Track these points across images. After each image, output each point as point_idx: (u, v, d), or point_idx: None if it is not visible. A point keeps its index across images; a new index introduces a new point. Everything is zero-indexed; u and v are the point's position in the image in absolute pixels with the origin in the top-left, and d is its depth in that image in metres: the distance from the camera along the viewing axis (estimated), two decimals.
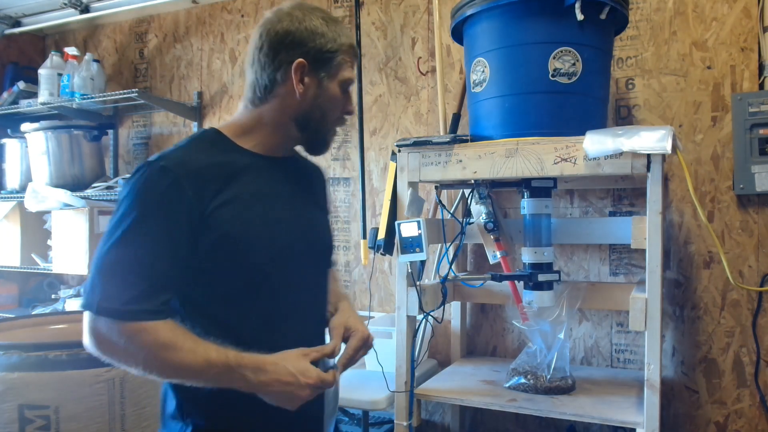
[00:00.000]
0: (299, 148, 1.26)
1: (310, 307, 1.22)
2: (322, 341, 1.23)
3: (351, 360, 1.18)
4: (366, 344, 1.21)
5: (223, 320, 1.07)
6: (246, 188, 1.11)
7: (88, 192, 2.74)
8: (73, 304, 2.79)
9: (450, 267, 1.78)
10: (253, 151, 1.17)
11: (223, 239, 1.05)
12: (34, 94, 2.93)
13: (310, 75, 1.14)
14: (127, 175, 2.70)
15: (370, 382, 1.89)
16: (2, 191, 3.05)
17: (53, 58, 2.88)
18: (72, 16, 2.95)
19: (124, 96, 2.68)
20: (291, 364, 1.04)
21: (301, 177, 1.29)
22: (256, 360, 1.03)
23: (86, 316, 0.99)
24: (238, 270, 1.08)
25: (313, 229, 1.25)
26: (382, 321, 2.21)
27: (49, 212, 2.87)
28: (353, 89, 1.24)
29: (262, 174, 1.16)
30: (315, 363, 1.08)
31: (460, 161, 1.65)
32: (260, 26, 1.16)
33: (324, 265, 1.30)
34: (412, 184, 1.73)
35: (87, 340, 1.00)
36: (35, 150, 2.84)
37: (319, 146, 1.23)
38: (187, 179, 1.03)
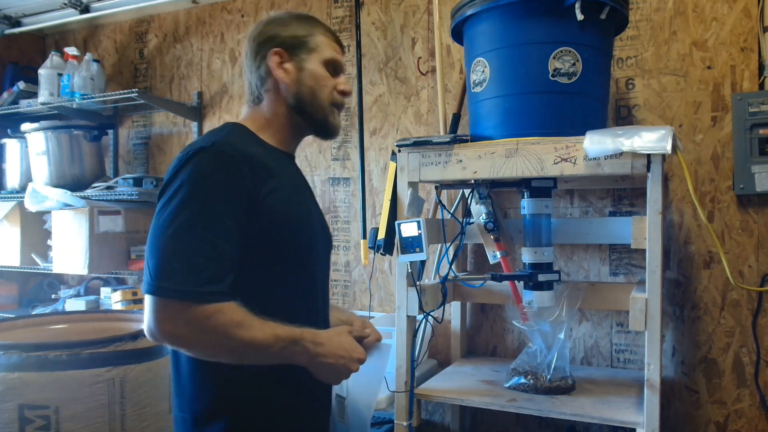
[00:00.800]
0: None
1: (326, 292, 1.31)
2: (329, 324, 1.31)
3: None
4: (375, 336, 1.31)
5: (268, 303, 1.10)
6: (284, 179, 1.17)
7: (88, 192, 2.74)
8: (74, 304, 2.79)
9: (450, 267, 1.78)
10: (271, 145, 1.23)
11: (271, 226, 1.10)
12: (34, 94, 2.93)
13: (289, 60, 1.22)
14: (128, 175, 2.71)
15: None
16: (2, 191, 3.05)
17: (53, 58, 2.88)
18: (72, 16, 2.95)
19: (124, 96, 2.68)
20: (343, 340, 1.13)
21: (304, 176, 1.36)
22: (314, 333, 1.10)
23: (151, 301, 0.99)
24: (284, 256, 1.14)
25: (324, 222, 1.34)
26: (382, 321, 2.21)
27: (49, 212, 2.86)
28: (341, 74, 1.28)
29: (288, 168, 1.25)
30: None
31: (460, 161, 1.65)
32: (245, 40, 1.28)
33: (330, 252, 1.38)
34: (412, 184, 1.73)
35: (154, 326, 0.99)
36: (35, 150, 2.84)
37: (324, 127, 1.27)
38: (245, 164, 1.08)
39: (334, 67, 1.25)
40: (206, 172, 1.04)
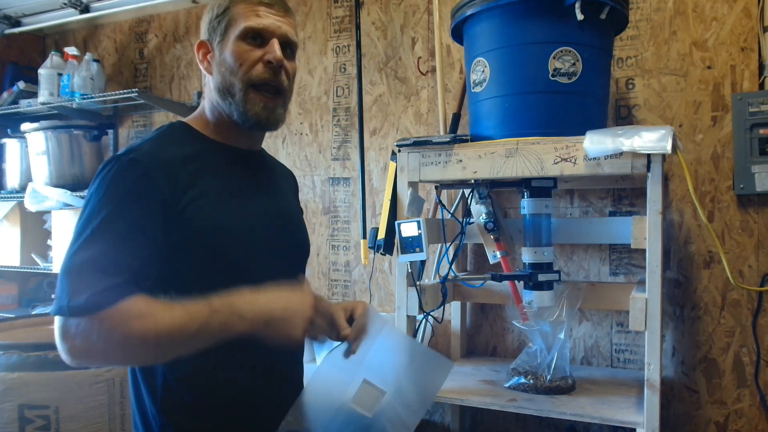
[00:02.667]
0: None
1: None
2: (297, 353, 1.23)
3: (363, 330, 1.13)
4: (366, 308, 1.18)
5: None
6: (218, 181, 1.08)
7: None
8: None
9: (450, 267, 1.78)
10: (219, 141, 1.14)
11: (198, 233, 1.02)
12: (34, 94, 2.93)
13: (211, 49, 1.14)
14: None
15: None
16: (2, 191, 3.05)
17: (53, 58, 2.88)
18: (72, 16, 2.95)
19: (124, 96, 2.68)
20: (281, 294, 1.00)
21: (270, 172, 1.26)
22: (242, 294, 0.97)
23: (56, 323, 0.91)
24: (216, 264, 1.04)
25: (287, 222, 1.22)
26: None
27: (49, 212, 2.86)
28: (275, 41, 1.11)
29: (232, 166, 1.14)
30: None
31: (460, 161, 1.65)
32: None
33: (300, 260, 1.26)
34: (412, 184, 1.73)
35: (60, 348, 0.92)
36: (35, 150, 2.84)
37: (243, 117, 1.10)
38: (158, 170, 1.00)
39: (255, 35, 1.09)
40: (113, 182, 0.98)
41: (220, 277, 1.03)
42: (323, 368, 1.19)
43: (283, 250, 1.17)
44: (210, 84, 1.13)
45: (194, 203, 1.02)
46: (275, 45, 1.09)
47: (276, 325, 0.98)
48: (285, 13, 1.14)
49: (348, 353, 1.12)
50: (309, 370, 1.27)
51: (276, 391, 1.15)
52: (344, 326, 1.10)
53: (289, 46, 1.14)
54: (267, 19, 1.10)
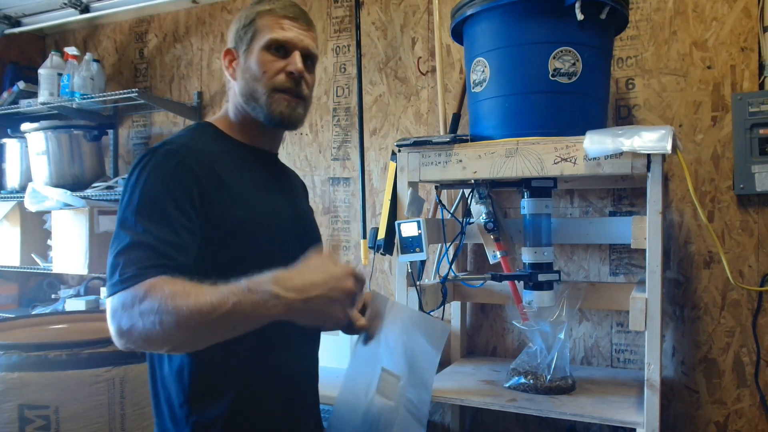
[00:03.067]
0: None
1: None
2: (317, 332, 1.26)
3: (377, 315, 1.18)
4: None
5: None
6: (246, 177, 1.15)
7: (88, 192, 2.74)
8: (74, 304, 2.79)
9: (450, 267, 1.78)
10: (243, 142, 1.21)
11: (231, 223, 1.07)
12: (34, 94, 2.93)
13: (237, 56, 1.20)
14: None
15: None
16: (2, 191, 3.05)
17: (53, 58, 2.88)
18: (72, 16, 2.95)
19: (124, 96, 2.67)
20: (316, 267, 0.98)
21: (286, 174, 1.34)
22: (274, 273, 0.95)
23: (108, 305, 0.95)
24: (245, 255, 1.08)
25: (304, 220, 1.29)
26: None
27: (49, 212, 2.86)
28: (297, 53, 1.18)
29: (256, 165, 1.20)
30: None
31: (460, 161, 1.65)
32: None
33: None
34: (412, 184, 1.73)
35: (111, 331, 0.94)
36: (35, 150, 2.84)
37: (269, 117, 1.17)
38: (194, 160, 1.06)
39: (279, 47, 1.16)
40: (152, 171, 1.03)
41: (250, 267, 1.03)
42: (351, 367, 1.23)
43: (302, 243, 1.20)
44: (235, 89, 1.21)
45: (226, 196, 1.08)
46: (297, 57, 1.17)
47: (314, 305, 0.95)
48: (308, 27, 1.21)
49: (368, 340, 1.16)
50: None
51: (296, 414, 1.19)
52: (358, 317, 1.12)
53: (309, 58, 1.21)
54: (290, 32, 1.17)
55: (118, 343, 0.94)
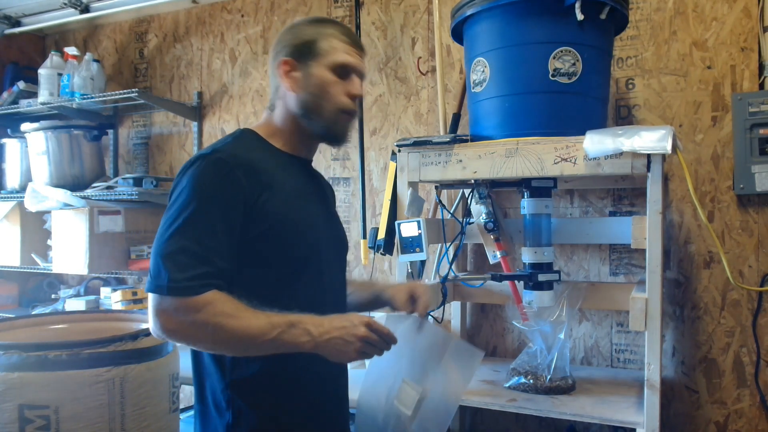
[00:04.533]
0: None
1: (338, 294, 1.34)
2: None
3: (426, 306, 1.31)
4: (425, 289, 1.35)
5: (268, 304, 1.11)
6: (287, 183, 1.21)
7: (88, 192, 2.74)
8: (74, 304, 2.79)
9: (450, 267, 1.78)
10: (282, 150, 1.27)
11: (272, 228, 1.14)
12: (34, 94, 2.93)
13: (297, 68, 1.24)
14: (128, 175, 2.71)
15: None
16: (2, 191, 3.04)
17: (53, 58, 2.88)
18: (72, 16, 2.95)
19: (124, 96, 2.68)
20: (342, 317, 1.13)
21: (319, 181, 1.40)
22: (312, 317, 1.11)
23: (152, 300, 1.06)
24: (285, 257, 1.17)
25: (336, 227, 1.39)
26: (381, 321, 2.20)
27: (49, 212, 2.86)
28: (355, 77, 1.26)
29: (295, 172, 1.27)
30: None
31: (460, 161, 1.65)
32: None
33: (345, 255, 1.42)
34: (412, 184, 1.73)
35: (153, 323, 1.06)
36: (35, 150, 2.84)
37: (330, 135, 1.27)
38: (241, 169, 1.12)
39: (344, 71, 1.24)
40: (203, 177, 1.11)
41: (286, 269, 1.18)
42: (372, 368, 1.35)
43: (333, 248, 1.32)
44: (291, 99, 1.24)
45: (268, 202, 1.15)
46: (358, 82, 1.27)
47: (333, 344, 1.10)
48: (364, 54, 1.31)
49: (417, 324, 1.30)
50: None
51: (333, 405, 1.30)
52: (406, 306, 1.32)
53: (362, 80, 1.31)
54: (355, 58, 1.26)
55: (156, 334, 1.08)
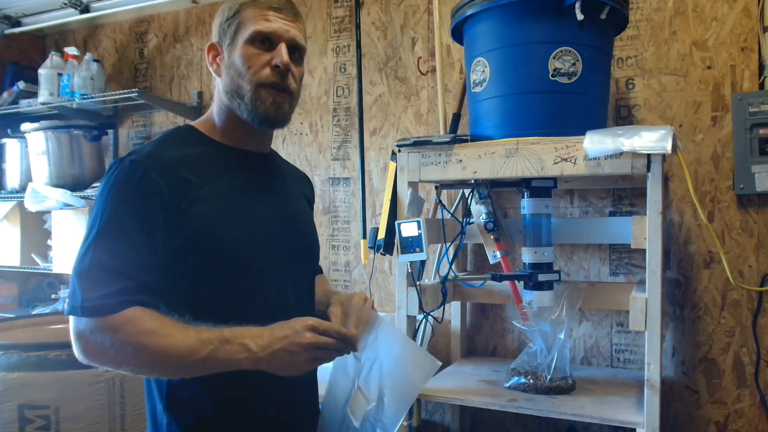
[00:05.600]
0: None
1: (296, 303, 1.18)
2: None
3: (360, 318, 1.15)
4: (366, 300, 1.20)
5: (205, 316, 1.01)
6: (221, 181, 1.10)
7: (88, 192, 2.74)
8: None
9: (450, 267, 1.78)
10: (226, 144, 1.16)
11: (199, 234, 1.04)
12: (34, 94, 2.93)
13: (221, 51, 1.14)
14: None
15: None
16: (2, 191, 3.05)
17: (53, 58, 2.88)
18: (72, 16, 2.95)
19: (124, 96, 2.68)
20: (283, 325, 1.01)
21: (278, 173, 1.27)
22: (251, 329, 0.99)
23: (71, 322, 0.96)
24: (219, 265, 1.06)
25: (294, 224, 1.22)
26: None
27: (49, 212, 2.87)
28: (282, 45, 1.12)
29: (237, 167, 1.16)
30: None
31: (460, 161, 1.65)
32: None
33: (307, 263, 1.27)
34: (412, 184, 1.73)
35: (75, 347, 0.96)
36: (35, 150, 2.84)
37: (253, 114, 1.12)
38: (158, 171, 1.02)
39: (263, 39, 1.10)
40: (115, 185, 1.01)
41: (220, 277, 1.06)
42: (333, 374, 1.24)
43: (288, 250, 1.18)
44: (219, 86, 1.16)
45: (195, 203, 1.04)
46: (283, 49, 1.11)
47: (278, 358, 0.98)
48: (294, 17, 1.15)
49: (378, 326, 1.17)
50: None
51: (287, 415, 1.16)
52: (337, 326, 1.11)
53: (297, 51, 1.15)
54: (275, 23, 1.11)
55: (81, 360, 0.97)
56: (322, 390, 1.31)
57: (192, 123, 1.20)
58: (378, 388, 1.20)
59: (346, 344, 1.04)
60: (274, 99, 1.12)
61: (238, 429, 1.09)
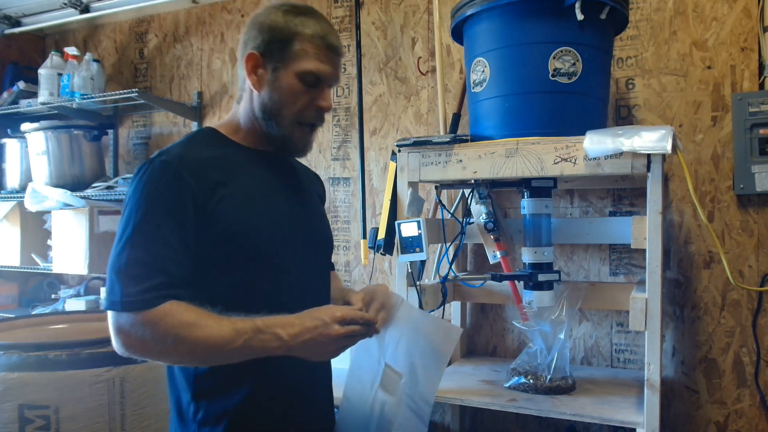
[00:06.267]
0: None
1: (313, 297, 1.22)
2: None
3: (384, 304, 1.19)
4: (388, 289, 1.25)
5: (234, 307, 1.06)
6: (245, 181, 1.15)
7: (88, 192, 2.74)
8: (74, 304, 2.79)
9: (450, 267, 1.78)
10: (246, 146, 1.21)
11: (227, 231, 1.09)
12: (34, 94, 2.93)
13: (264, 66, 1.15)
14: (128, 175, 2.72)
15: None
16: (2, 191, 3.05)
17: (53, 58, 2.88)
18: (72, 16, 2.95)
19: (124, 96, 2.68)
20: (313, 314, 1.06)
21: (296, 173, 1.32)
22: (282, 318, 1.05)
23: (110, 317, 1.02)
24: (245, 259, 1.11)
25: (312, 221, 1.28)
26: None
27: (49, 212, 2.86)
28: (326, 87, 1.18)
29: (259, 167, 1.20)
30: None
31: (460, 161, 1.65)
32: None
33: (324, 258, 1.33)
34: (412, 184, 1.73)
35: (115, 342, 1.02)
36: (35, 150, 2.84)
37: (283, 146, 1.20)
38: (188, 171, 1.07)
39: (314, 79, 1.15)
40: (148, 184, 1.06)
41: (246, 270, 1.12)
42: (355, 359, 1.30)
43: (307, 244, 1.23)
44: (254, 98, 1.18)
45: (223, 201, 1.09)
46: (328, 94, 1.18)
47: (309, 347, 1.04)
48: (341, 57, 1.21)
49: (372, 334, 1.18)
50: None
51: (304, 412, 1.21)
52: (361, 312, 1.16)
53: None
54: (329, 66, 1.16)
55: (121, 353, 1.03)
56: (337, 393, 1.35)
57: (215, 125, 1.24)
58: (408, 363, 1.25)
59: (369, 328, 1.10)
60: (308, 138, 1.20)
61: (266, 416, 1.14)
